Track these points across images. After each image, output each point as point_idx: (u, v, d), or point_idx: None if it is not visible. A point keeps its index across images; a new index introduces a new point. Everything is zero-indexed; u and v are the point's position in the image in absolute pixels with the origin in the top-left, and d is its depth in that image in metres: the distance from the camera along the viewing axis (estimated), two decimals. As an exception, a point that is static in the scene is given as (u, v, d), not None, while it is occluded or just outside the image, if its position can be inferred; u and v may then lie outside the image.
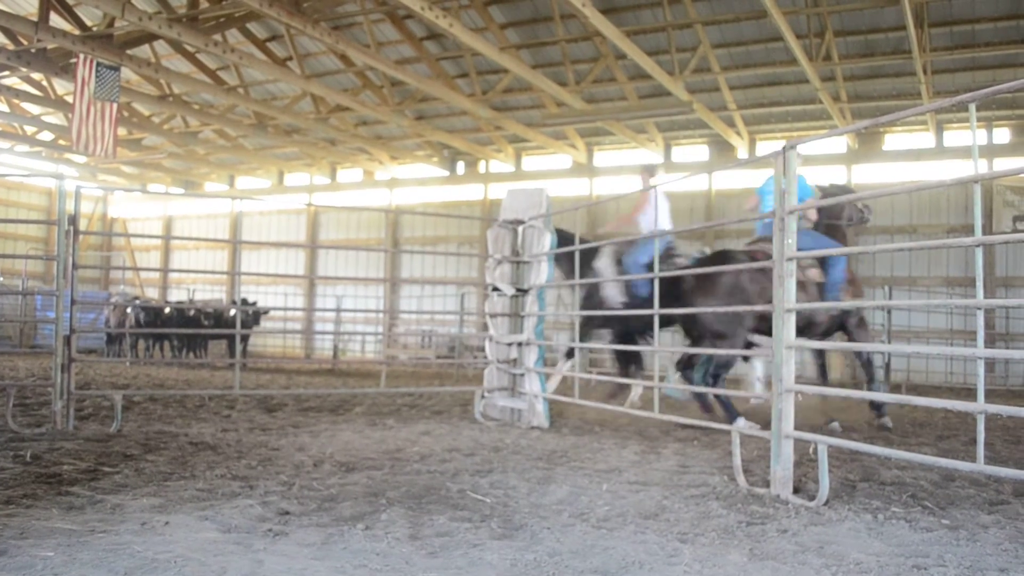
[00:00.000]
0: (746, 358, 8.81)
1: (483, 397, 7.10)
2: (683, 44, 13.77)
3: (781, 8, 10.86)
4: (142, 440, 5.17)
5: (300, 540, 2.90)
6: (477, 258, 18.31)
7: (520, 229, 7.16)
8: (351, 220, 22.36)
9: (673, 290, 6.84)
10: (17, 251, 23.21)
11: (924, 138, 15.91)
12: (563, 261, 7.97)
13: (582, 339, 8.27)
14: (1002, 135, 15.42)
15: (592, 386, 11.74)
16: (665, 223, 7.77)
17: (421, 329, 20.29)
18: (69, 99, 13.76)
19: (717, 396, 6.79)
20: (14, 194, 24.33)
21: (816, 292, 6.69)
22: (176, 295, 24.93)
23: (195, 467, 4.25)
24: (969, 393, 11.81)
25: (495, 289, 7.23)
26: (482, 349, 8.80)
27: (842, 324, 7.23)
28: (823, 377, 7.75)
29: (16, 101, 17.03)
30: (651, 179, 8.59)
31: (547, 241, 6.92)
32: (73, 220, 5.79)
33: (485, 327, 8.42)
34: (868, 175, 16.16)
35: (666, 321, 7.30)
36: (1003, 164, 15.12)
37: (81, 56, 11.42)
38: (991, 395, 11.16)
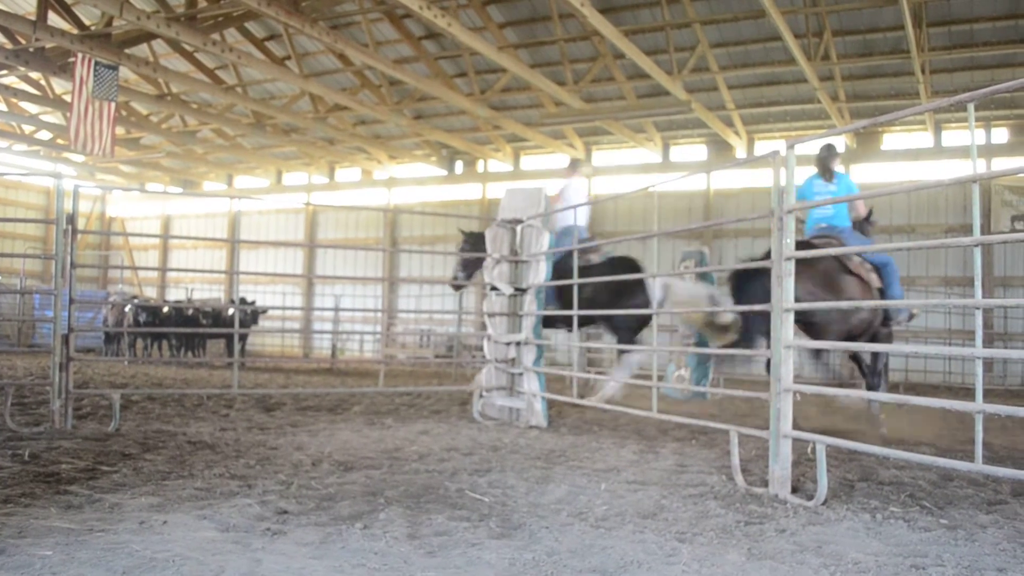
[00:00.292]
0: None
1: (481, 396, 7.10)
2: (681, 43, 13.77)
3: (779, 8, 10.86)
4: (140, 439, 5.17)
5: (298, 539, 2.90)
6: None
7: (519, 228, 7.16)
8: (349, 219, 22.35)
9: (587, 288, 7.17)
10: (15, 250, 23.19)
11: (922, 138, 15.93)
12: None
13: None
14: (1000, 135, 15.43)
15: (591, 385, 11.74)
16: (581, 220, 7.93)
17: (419, 328, 20.29)
18: (67, 98, 13.73)
19: None
20: (12, 193, 24.30)
21: (878, 297, 6.43)
22: (174, 294, 24.91)
23: (193, 466, 4.25)
24: (967, 393, 11.82)
25: (493, 288, 7.23)
26: (480, 348, 8.81)
27: (875, 329, 6.86)
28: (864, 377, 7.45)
29: (14, 100, 17.01)
30: (573, 175, 8.67)
31: (545, 240, 6.93)
32: (71, 219, 5.78)
33: (483, 326, 8.43)
34: (866, 175, 16.17)
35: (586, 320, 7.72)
36: (1001, 164, 15.12)
37: (79, 55, 11.41)
38: (989, 395, 11.18)
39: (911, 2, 10.81)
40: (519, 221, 7.15)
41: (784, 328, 3.99)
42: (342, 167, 22.61)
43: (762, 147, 17.17)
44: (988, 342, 14.52)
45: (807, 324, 6.19)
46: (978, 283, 3.61)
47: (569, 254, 6.97)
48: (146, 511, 3.22)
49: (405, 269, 21.39)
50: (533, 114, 16.73)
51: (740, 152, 17.09)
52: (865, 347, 4.97)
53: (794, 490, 3.93)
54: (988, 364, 14.22)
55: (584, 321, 7.79)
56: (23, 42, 12.96)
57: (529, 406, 6.71)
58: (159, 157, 21.46)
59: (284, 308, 23.82)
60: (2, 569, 2.45)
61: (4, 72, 14.85)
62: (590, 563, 2.72)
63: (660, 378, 10.17)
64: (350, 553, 2.75)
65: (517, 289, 7.07)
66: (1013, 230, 14.77)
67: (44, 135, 19.70)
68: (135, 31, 12.51)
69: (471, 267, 8.62)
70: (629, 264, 8.02)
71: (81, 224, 22.26)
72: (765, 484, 4.01)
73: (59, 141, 18.93)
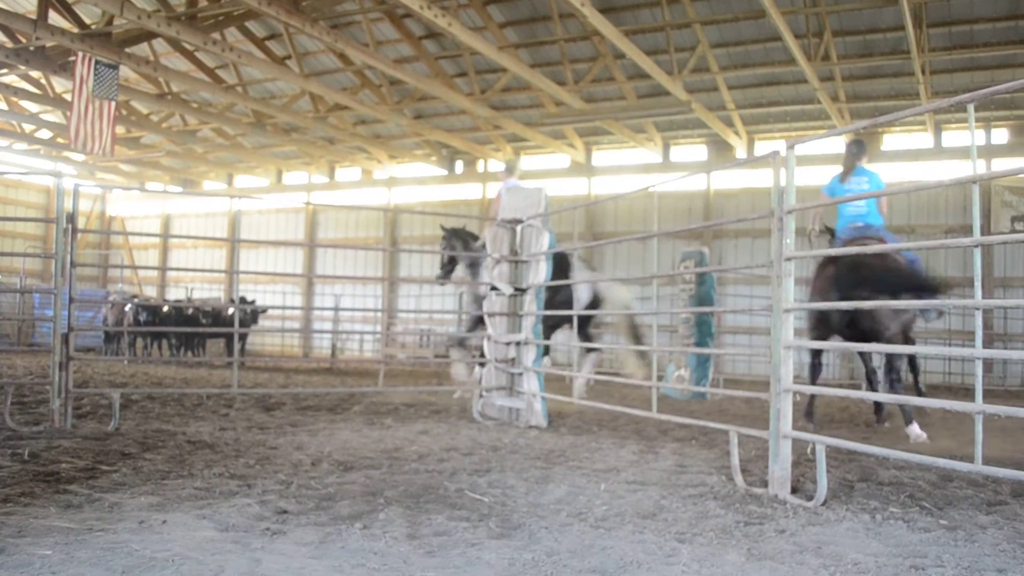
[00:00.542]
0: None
1: (481, 396, 7.10)
2: (682, 44, 13.77)
3: (780, 8, 10.86)
4: (140, 438, 5.17)
5: (298, 539, 2.90)
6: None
7: (519, 228, 7.16)
8: (349, 219, 22.34)
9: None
10: (15, 249, 23.19)
11: (922, 138, 15.92)
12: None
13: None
14: (1000, 135, 15.43)
15: (590, 385, 11.74)
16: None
17: (419, 328, 20.28)
18: (68, 97, 13.73)
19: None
20: (12, 192, 24.29)
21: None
22: (174, 293, 24.90)
23: (193, 466, 4.25)
24: (967, 393, 11.82)
25: (493, 288, 7.24)
26: (480, 348, 8.87)
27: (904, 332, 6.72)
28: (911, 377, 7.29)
29: (14, 99, 17.01)
30: (509, 178, 8.98)
31: (545, 240, 6.93)
32: (71, 218, 5.78)
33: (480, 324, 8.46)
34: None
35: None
36: (1001, 164, 15.13)
37: (80, 54, 11.41)
38: (989, 395, 11.18)
39: (911, 3, 10.81)
40: (519, 221, 7.15)
41: (784, 329, 3.98)
42: (342, 167, 22.61)
43: (762, 147, 17.17)
44: (988, 343, 14.52)
45: (862, 330, 6.22)
46: (978, 284, 3.61)
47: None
48: (145, 510, 3.22)
49: (405, 269, 21.39)
50: (533, 114, 16.73)
51: (740, 152, 17.10)
52: (865, 347, 4.96)
53: (794, 490, 3.93)
54: (988, 365, 14.23)
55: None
56: (23, 41, 12.96)
57: (529, 406, 6.71)
58: (159, 156, 21.46)
59: (284, 308, 23.82)
60: (2, 568, 2.45)
61: (4, 71, 14.85)
62: (590, 563, 2.72)
63: (660, 378, 10.18)
64: (350, 553, 2.75)
65: (517, 289, 7.07)
66: (1013, 231, 14.76)
67: (44, 134, 19.70)
68: (135, 30, 12.51)
69: (452, 264, 8.95)
70: (562, 259, 8.21)
71: (81, 223, 22.27)
72: (765, 484, 4.01)
73: (59, 140, 18.93)
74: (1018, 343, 14.81)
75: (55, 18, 12.59)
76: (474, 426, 6.48)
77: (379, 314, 20.74)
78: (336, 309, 9.39)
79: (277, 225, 23.61)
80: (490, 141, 19.20)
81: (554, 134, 17.74)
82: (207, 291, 24.05)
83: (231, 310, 15.10)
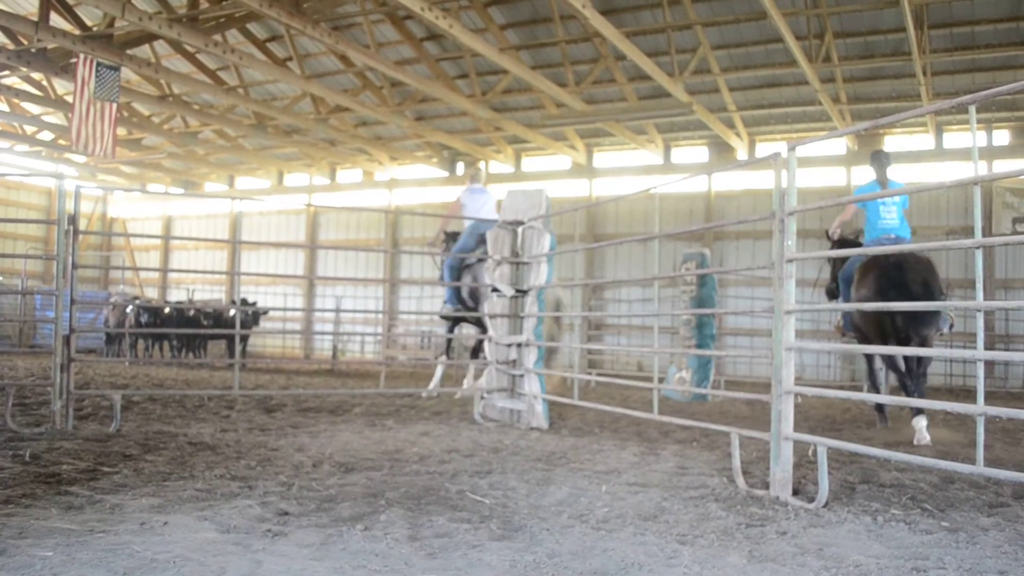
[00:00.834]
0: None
1: (482, 398, 7.10)
2: (683, 45, 13.77)
3: (781, 9, 10.86)
4: (141, 440, 5.17)
5: (299, 541, 2.90)
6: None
7: (520, 230, 7.16)
8: (351, 220, 22.35)
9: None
10: (17, 250, 23.19)
11: (924, 140, 15.91)
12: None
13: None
14: (1002, 137, 15.42)
15: (592, 387, 11.74)
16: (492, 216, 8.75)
17: (420, 330, 20.28)
18: (69, 99, 13.75)
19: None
20: (14, 194, 24.31)
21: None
22: (175, 295, 24.92)
23: (194, 467, 4.25)
24: (969, 395, 11.82)
25: (494, 290, 7.24)
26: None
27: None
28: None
29: (16, 101, 17.02)
30: (469, 183, 9.38)
31: (547, 242, 6.93)
32: (73, 220, 5.79)
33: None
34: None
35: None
36: (1003, 166, 15.11)
37: (81, 56, 11.42)
38: (991, 397, 11.17)
39: (912, 4, 10.81)
40: (520, 223, 7.15)
41: (785, 330, 3.98)
42: (343, 168, 22.62)
43: (763, 149, 17.16)
44: (989, 344, 14.51)
45: (921, 335, 6.45)
46: (979, 285, 3.61)
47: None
48: (147, 512, 3.23)
49: (406, 270, 21.39)
50: (534, 116, 16.73)
51: (741, 154, 17.09)
52: (865, 349, 4.96)
53: (795, 492, 3.92)
54: (990, 366, 14.22)
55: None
56: (25, 43, 12.97)
57: (530, 408, 6.71)
58: (160, 158, 21.47)
59: (285, 309, 23.79)
60: (3, 570, 2.45)
61: (6, 73, 14.86)
62: (591, 565, 2.72)
63: (661, 380, 10.18)
64: (351, 554, 2.75)
65: (518, 291, 7.07)
66: (1014, 232, 14.76)
67: (46, 136, 19.71)
68: (137, 32, 12.51)
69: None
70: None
71: (82, 225, 22.29)
72: (766, 486, 4.01)
73: (61, 142, 18.95)
74: (1020, 345, 14.79)
75: (56, 20, 12.60)
76: (475, 428, 6.48)
77: (380, 316, 20.75)
78: (337, 311, 9.39)
79: (278, 227, 23.62)
80: (491, 143, 19.21)
81: (555, 136, 17.75)
82: (208, 293, 24.06)
83: (232, 312, 15.11)
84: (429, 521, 3.23)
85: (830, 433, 6.54)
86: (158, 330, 9.63)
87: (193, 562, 2.58)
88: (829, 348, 4.97)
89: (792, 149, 4.07)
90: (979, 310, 3.52)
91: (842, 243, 8.28)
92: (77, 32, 12.43)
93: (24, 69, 14.01)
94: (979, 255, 3.51)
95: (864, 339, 6.92)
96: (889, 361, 6.82)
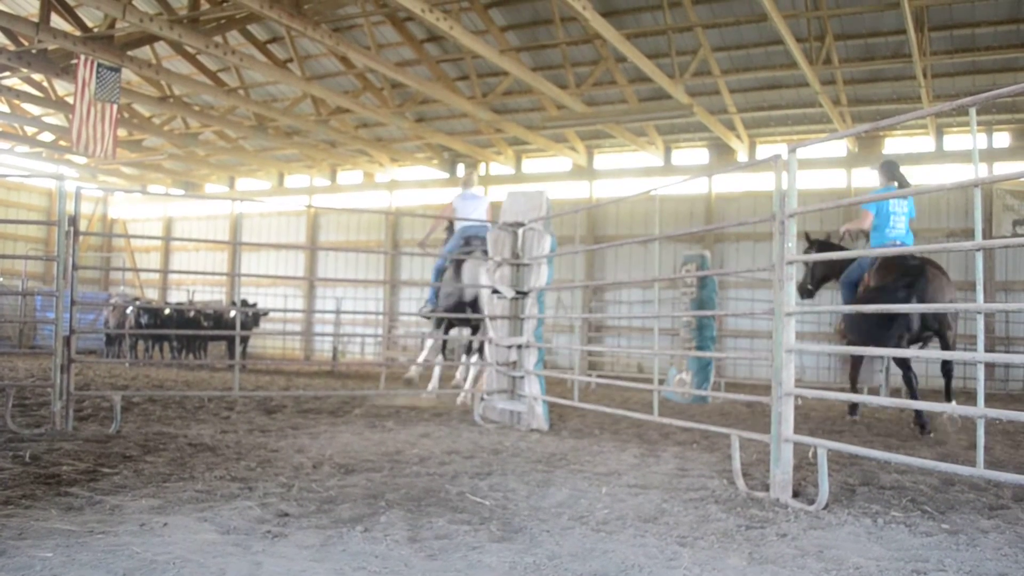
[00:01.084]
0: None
1: (482, 399, 7.10)
2: (683, 47, 13.78)
3: (781, 12, 10.86)
4: (141, 441, 5.17)
5: (299, 542, 2.89)
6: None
7: (520, 232, 7.16)
8: (351, 222, 22.35)
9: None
10: (17, 251, 23.18)
11: (924, 142, 15.92)
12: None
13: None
14: (1002, 139, 15.42)
15: (592, 389, 11.74)
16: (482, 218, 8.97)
17: (421, 331, 20.26)
18: (70, 100, 13.76)
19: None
20: (14, 195, 24.33)
21: None
22: (176, 296, 24.91)
23: (194, 468, 4.25)
24: (969, 397, 11.81)
25: (495, 291, 7.24)
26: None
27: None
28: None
29: (17, 102, 17.03)
30: (464, 189, 9.42)
31: (547, 244, 6.93)
32: (73, 221, 5.79)
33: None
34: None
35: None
36: (1003, 168, 15.12)
37: (82, 57, 11.43)
38: (991, 399, 11.17)
39: (913, 6, 10.81)
40: (520, 224, 7.15)
41: (786, 332, 3.98)
42: (344, 169, 22.62)
43: (764, 151, 17.17)
44: (990, 346, 14.51)
45: (944, 335, 7.03)
46: (979, 287, 3.61)
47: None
48: (147, 513, 3.22)
49: (406, 272, 21.40)
50: (535, 117, 16.74)
51: (742, 156, 17.10)
52: (865, 351, 4.96)
53: (795, 494, 3.92)
54: (990, 369, 14.22)
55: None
56: (26, 44, 12.98)
57: (530, 409, 6.70)
58: (161, 159, 21.48)
59: (285, 310, 23.79)
60: (3, 571, 2.45)
61: (7, 74, 14.87)
62: (591, 567, 2.72)
63: (661, 382, 10.18)
64: (351, 556, 2.75)
65: (518, 292, 7.07)
66: (1015, 234, 14.76)
67: (46, 137, 19.72)
68: (137, 33, 12.52)
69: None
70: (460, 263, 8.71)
71: (83, 226, 22.30)
72: (766, 488, 4.01)
73: (61, 143, 18.95)
74: (1020, 347, 14.79)
75: (57, 21, 12.61)
76: (475, 429, 6.47)
77: (380, 317, 20.74)
78: (337, 312, 9.37)
79: (279, 228, 23.63)
80: (491, 144, 19.22)
81: (555, 137, 17.76)
82: (209, 294, 24.07)
83: (232, 313, 15.11)
84: (429, 523, 3.23)
85: (830, 435, 6.54)
86: (158, 331, 9.59)
87: (193, 563, 2.58)
88: (829, 350, 4.97)
89: (792, 151, 4.07)
90: (979, 312, 3.52)
91: (822, 247, 8.47)
92: (78, 33, 12.44)
93: (25, 70, 14.02)
94: (979, 257, 3.51)
95: (865, 338, 7.05)
96: (902, 360, 7.17)
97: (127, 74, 13.10)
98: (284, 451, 4.97)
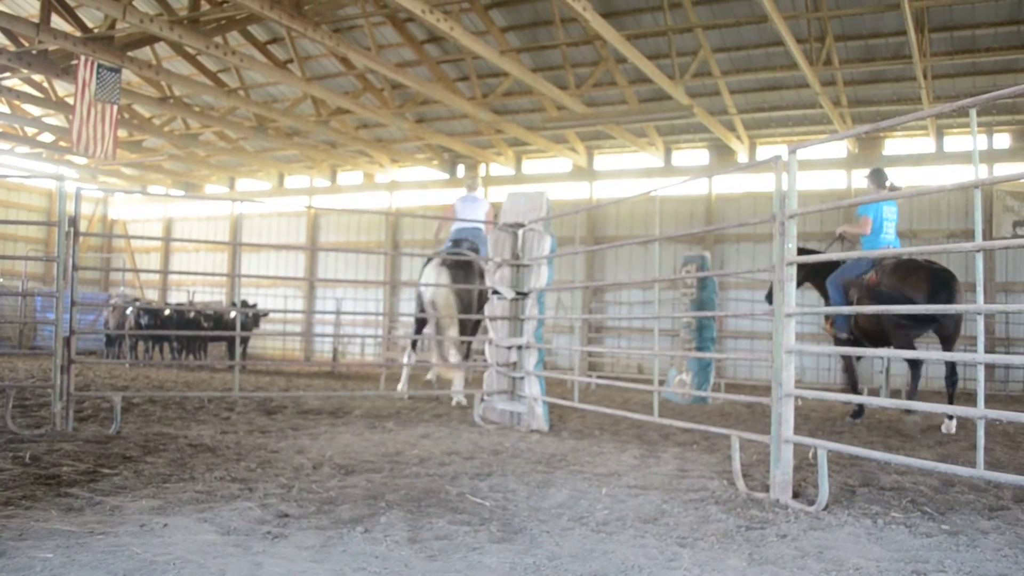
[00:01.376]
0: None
1: (483, 400, 7.10)
2: (684, 48, 13.79)
3: (782, 12, 10.87)
4: (141, 442, 5.17)
5: (299, 543, 2.89)
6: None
7: (520, 232, 7.16)
8: (351, 223, 22.36)
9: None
10: (17, 252, 23.20)
11: (924, 143, 15.92)
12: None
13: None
14: (1002, 140, 15.42)
15: (592, 390, 11.74)
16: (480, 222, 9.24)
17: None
18: (70, 101, 13.76)
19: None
20: (14, 195, 24.33)
21: None
22: (176, 297, 24.91)
23: (194, 469, 4.25)
24: (969, 398, 11.81)
25: (495, 292, 7.24)
26: (481, 352, 8.94)
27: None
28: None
29: (17, 102, 17.03)
30: (467, 192, 9.70)
31: (547, 244, 6.93)
32: (73, 221, 5.79)
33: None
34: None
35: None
36: (1003, 169, 15.11)
37: (82, 58, 11.43)
38: (991, 400, 11.16)
39: (913, 7, 10.82)
40: (521, 225, 7.15)
41: (786, 333, 3.98)
42: (344, 170, 22.63)
43: (764, 152, 17.18)
44: (990, 348, 14.50)
45: (947, 334, 7.49)
46: (980, 288, 3.61)
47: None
48: (147, 514, 3.22)
49: (407, 272, 21.39)
50: (535, 118, 16.74)
51: (742, 157, 17.10)
52: (864, 352, 4.96)
53: (795, 495, 3.92)
54: (990, 370, 14.21)
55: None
56: (26, 44, 12.98)
57: (530, 410, 6.70)
58: (161, 160, 21.48)
59: (285, 311, 23.74)
60: (3, 571, 2.45)
61: (7, 74, 14.88)
62: (591, 568, 2.72)
63: (661, 382, 10.18)
64: (351, 557, 2.75)
65: (519, 293, 7.07)
66: (1015, 236, 14.75)
67: (46, 137, 19.73)
68: (138, 34, 12.52)
69: None
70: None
71: (83, 226, 22.29)
72: (766, 489, 4.01)
73: (61, 143, 18.96)
74: (1020, 348, 14.79)
75: (57, 22, 12.61)
76: (475, 430, 6.47)
77: (380, 318, 20.74)
78: (337, 313, 9.40)
79: (279, 229, 23.63)
80: (492, 145, 19.22)
81: (556, 138, 17.76)
82: (209, 294, 24.06)
83: (232, 313, 15.11)
84: (429, 523, 3.22)
85: (830, 436, 6.54)
86: (158, 332, 9.61)
87: (193, 564, 2.58)
88: (829, 351, 4.97)
89: (793, 152, 4.07)
90: (979, 313, 3.52)
91: (800, 251, 8.68)
92: (78, 34, 12.45)
93: (25, 71, 14.02)
94: (979, 258, 3.51)
95: (867, 338, 7.21)
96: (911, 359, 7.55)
97: (127, 75, 13.11)
98: (284, 452, 4.97)
